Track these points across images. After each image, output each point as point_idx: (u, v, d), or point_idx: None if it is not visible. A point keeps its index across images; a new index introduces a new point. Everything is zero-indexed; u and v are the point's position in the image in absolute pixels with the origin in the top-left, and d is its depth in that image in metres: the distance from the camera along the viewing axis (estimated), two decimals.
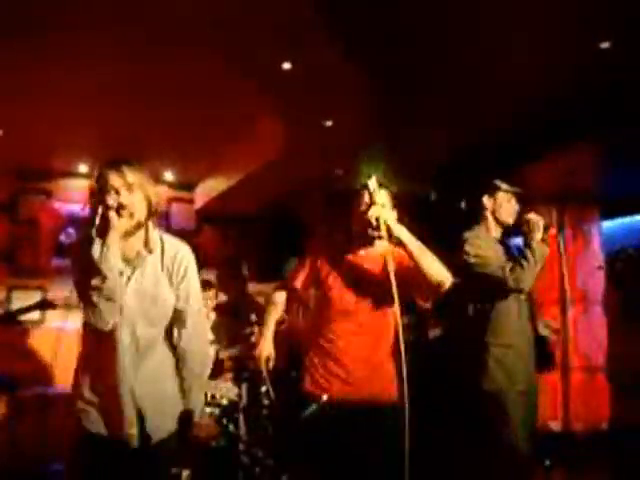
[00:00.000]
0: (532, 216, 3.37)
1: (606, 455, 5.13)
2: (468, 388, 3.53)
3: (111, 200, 2.24)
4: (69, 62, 4.02)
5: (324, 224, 6.64)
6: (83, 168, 6.62)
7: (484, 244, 3.48)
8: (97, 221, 2.24)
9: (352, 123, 4.64)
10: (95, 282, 2.19)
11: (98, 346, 2.38)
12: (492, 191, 3.57)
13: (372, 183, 2.75)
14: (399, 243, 2.71)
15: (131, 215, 2.28)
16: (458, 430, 4.72)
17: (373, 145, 5.07)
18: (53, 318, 6.58)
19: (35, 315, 6.54)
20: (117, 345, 2.34)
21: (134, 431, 2.37)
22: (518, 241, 3.49)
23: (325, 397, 2.84)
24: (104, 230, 2.22)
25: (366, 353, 2.86)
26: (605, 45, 3.57)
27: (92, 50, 3.85)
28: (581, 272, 6.11)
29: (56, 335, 6.33)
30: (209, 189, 6.85)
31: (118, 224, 2.23)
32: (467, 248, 3.46)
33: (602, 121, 4.33)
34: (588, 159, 4.98)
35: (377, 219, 2.70)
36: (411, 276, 2.74)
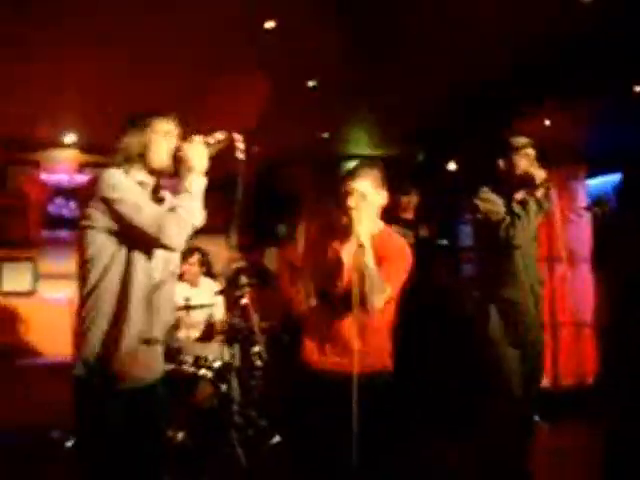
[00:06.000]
0: (533, 170, 3.36)
1: (593, 409, 5.23)
2: (473, 337, 3.66)
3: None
4: (55, 31, 3.98)
5: (312, 191, 6.65)
6: (70, 138, 6.58)
7: (492, 201, 3.49)
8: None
9: (336, 83, 4.61)
10: None
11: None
12: (506, 152, 3.51)
13: (365, 186, 2.81)
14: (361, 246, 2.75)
15: None
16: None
17: (359, 106, 5.06)
18: (45, 289, 6.62)
19: (27, 286, 6.57)
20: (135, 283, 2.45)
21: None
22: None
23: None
24: None
25: (364, 325, 2.87)
26: None
27: (78, 18, 3.81)
28: (568, 230, 6.16)
29: (48, 306, 6.39)
30: None
31: None
32: (477, 202, 3.50)
33: (588, 76, 4.33)
34: (574, 115, 4.99)
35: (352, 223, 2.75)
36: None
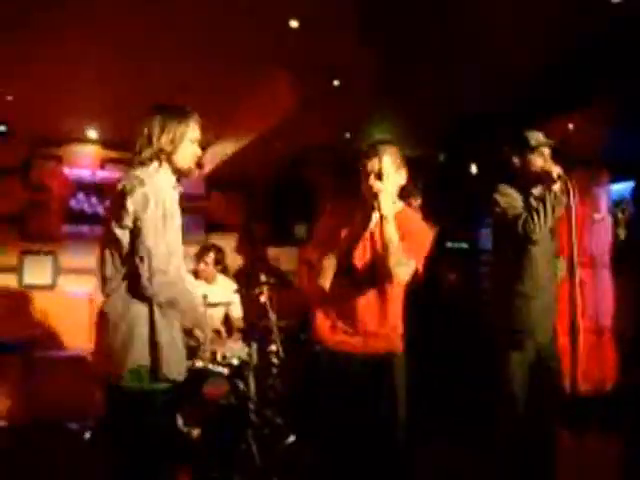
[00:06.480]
0: (549, 167, 3.31)
1: (613, 416, 5.17)
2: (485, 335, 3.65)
3: None
4: (79, 27, 4.01)
5: (333, 189, 6.64)
6: (92, 134, 6.64)
7: (511, 195, 3.47)
8: None
9: (360, 83, 4.61)
10: None
11: None
12: (521, 148, 3.49)
13: (387, 164, 2.80)
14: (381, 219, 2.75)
15: None
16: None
17: (381, 106, 5.04)
18: (65, 283, 6.68)
19: (47, 280, 6.64)
20: None
21: None
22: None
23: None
24: None
25: (377, 310, 2.89)
26: (617, 0, 3.52)
27: (101, 16, 3.84)
28: (589, 235, 6.10)
29: (68, 300, 6.45)
30: (217, 154, 6.84)
31: None
32: (496, 197, 3.46)
33: (611, 81, 4.28)
34: (597, 120, 4.93)
35: (377, 195, 2.74)
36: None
